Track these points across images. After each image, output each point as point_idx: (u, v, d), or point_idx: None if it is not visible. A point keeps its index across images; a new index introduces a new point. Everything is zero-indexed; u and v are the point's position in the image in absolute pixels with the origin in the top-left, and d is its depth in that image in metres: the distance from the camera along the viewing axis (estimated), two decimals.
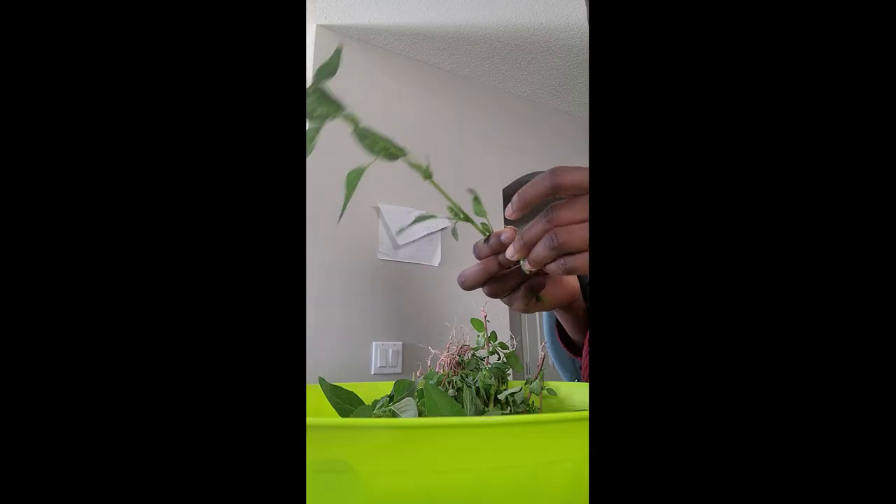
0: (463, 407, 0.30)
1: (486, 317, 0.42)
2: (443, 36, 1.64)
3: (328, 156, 1.47)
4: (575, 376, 0.52)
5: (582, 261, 0.28)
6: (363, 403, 0.26)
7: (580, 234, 0.28)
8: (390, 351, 1.42)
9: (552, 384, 0.36)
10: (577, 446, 0.16)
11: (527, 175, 1.94)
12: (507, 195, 1.98)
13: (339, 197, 1.43)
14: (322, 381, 0.26)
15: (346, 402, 0.26)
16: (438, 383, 0.35)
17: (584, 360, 0.42)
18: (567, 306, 0.45)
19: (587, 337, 0.47)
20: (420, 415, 0.23)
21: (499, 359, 0.39)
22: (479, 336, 0.41)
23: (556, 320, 0.49)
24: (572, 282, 0.43)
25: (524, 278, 0.33)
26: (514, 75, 1.86)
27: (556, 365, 0.52)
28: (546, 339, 0.51)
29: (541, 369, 0.37)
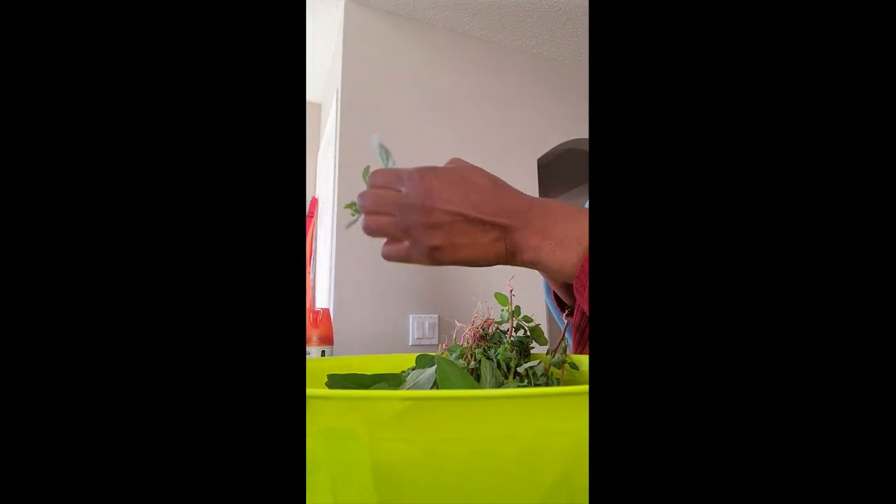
0: (480, 379, 0.30)
1: (511, 291, 0.42)
2: (473, 2, 1.58)
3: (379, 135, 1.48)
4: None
5: (390, 251, 0.33)
6: (381, 381, 0.28)
7: (371, 198, 0.32)
8: (426, 323, 1.46)
9: (575, 358, 0.36)
10: (576, 419, 0.16)
11: (563, 144, 1.87)
12: (543, 166, 1.93)
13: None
14: (331, 376, 0.28)
15: (361, 385, 0.27)
16: (461, 356, 0.36)
17: (574, 328, 0.45)
18: (535, 264, 0.49)
19: (576, 301, 0.52)
20: (434, 387, 0.24)
21: (524, 332, 0.39)
22: (503, 310, 0.41)
23: None
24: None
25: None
26: (549, 39, 1.78)
27: (552, 311, 0.57)
28: (544, 293, 0.57)
29: (560, 342, 0.37)
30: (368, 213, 0.32)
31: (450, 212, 0.30)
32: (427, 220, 0.30)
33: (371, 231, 0.33)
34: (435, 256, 0.31)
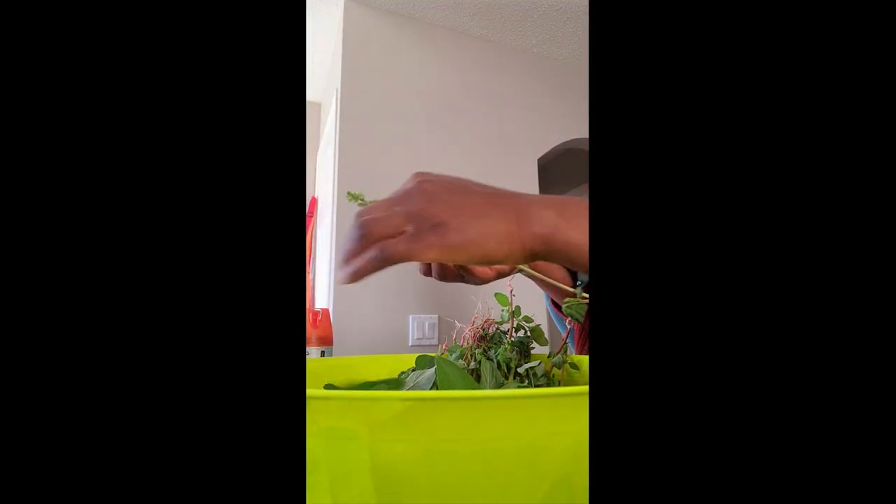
0: (480, 380, 0.30)
1: (511, 291, 0.42)
2: (472, 1, 1.58)
3: (369, 136, 1.48)
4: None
5: (391, 244, 0.25)
6: (376, 384, 0.28)
7: (379, 223, 0.26)
8: (426, 324, 1.45)
9: (575, 358, 0.36)
10: (576, 419, 0.16)
11: (563, 144, 1.87)
12: (543, 166, 1.92)
13: (374, 175, 1.45)
14: (328, 387, 0.28)
15: (361, 387, 0.27)
16: (461, 357, 0.36)
17: (577, 326, 0.45)
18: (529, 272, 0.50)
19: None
20: (434, 387, 0.24)
21: (525, 333, 0.39)
22: (503, 310, 0.41)
23: None
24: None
25: None
26: (549, 38, 1.78)
27: (552, 317, 0.59)
28: (545, 300, 0.59)
29: (564, 344, 0.37)
30: (372, 241, 0.26)
31: (446, 185, 0.27)
32: (426, 196, 0.26)
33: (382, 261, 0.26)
34: (442, 234, 0.25)
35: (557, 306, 0.55)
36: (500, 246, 0.26)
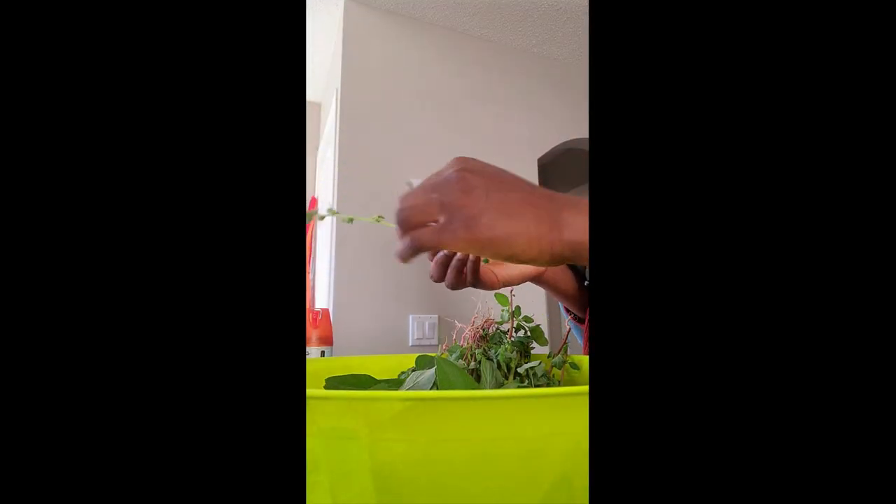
0: (480, 380, 0.30)
1: (511, 291, 0.42)
2: (472, 1, 1.58)
3: (365, 139, 1.48)
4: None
5: (422, 234, 0.26)
6: (376, 381, 0.28)
7: (415, 211, 0.27)
8: (426, 324, 1.45)
9: (575, 358, 0.36)
10: (576, 419, 0.16)
11: (563, 144, 1.87)
12: (543, 166, 1.92)
13: (373, 175, 1.45)
14: (329, 380, 0.28)
15: (360, 387, 0.27)
16: (461, 357, 0.36)
17: (585, 331, 0.45)
18: (538, 281, 0.50)
19: (585, 309, 0.53)
20: (434, 387, 0.24)
21: (525, 333, 0.39)
22: (503, 310, 0.41)
23: None
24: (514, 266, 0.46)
25: (464, 263, 0.37)
26: (549, 38, 1.78)
27: (573, 330, 0.59)
28: (561, 309, 0.59)
29: (564, 344, 0.37)
30: (409, 228, 0.27)
31: (487, 177, 0.27)
32: (463, 187, 0.26)
33: (413, 247, 0.27)
34: (472, 228, 0.25)
35: (575, 317, 0.55)
36: (529, 248, 0.26)
